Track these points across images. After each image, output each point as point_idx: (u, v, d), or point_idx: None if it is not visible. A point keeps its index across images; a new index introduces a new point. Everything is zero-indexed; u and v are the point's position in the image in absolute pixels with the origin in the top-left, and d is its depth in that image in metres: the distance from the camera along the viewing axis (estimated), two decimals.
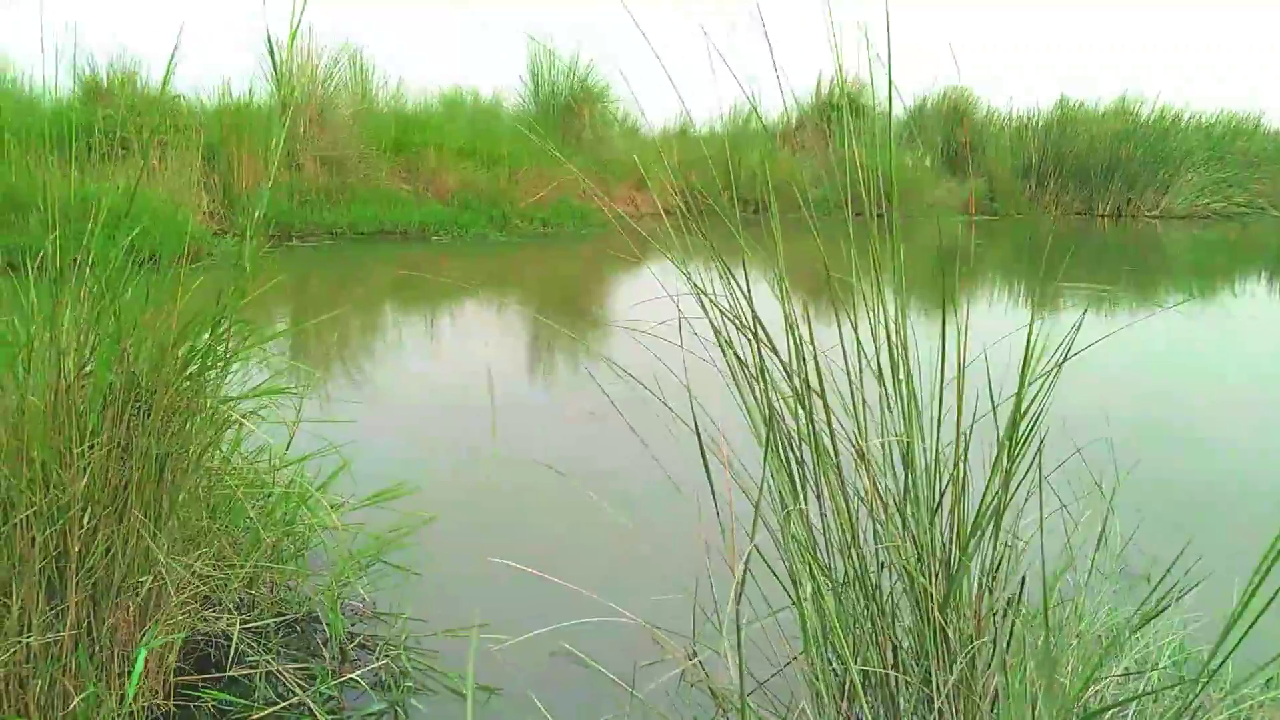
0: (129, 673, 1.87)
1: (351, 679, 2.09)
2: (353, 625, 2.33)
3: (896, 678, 1.23)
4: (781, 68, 1.66)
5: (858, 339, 1.37)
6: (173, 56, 2.31)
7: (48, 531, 1.63)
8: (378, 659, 2.15)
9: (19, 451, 1.62)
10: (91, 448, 1.69)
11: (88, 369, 1.75)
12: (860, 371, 1.37)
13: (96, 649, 1.80)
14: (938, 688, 1.17)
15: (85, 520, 1.68)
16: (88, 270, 1.81)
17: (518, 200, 13.36)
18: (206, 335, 1.89)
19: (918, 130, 16.18)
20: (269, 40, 2.10)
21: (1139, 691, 1.49)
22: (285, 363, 4.20)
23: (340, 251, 10.52)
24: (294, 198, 11.58)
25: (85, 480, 1.67)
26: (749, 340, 1.37)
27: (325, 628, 2.29)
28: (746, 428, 1.55)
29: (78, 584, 1.71)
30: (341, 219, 11.68)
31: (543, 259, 11.34)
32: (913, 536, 1.26)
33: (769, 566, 1.37)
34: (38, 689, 1.67)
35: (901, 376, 1.33)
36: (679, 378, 1.63)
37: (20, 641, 1.63)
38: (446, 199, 12.77)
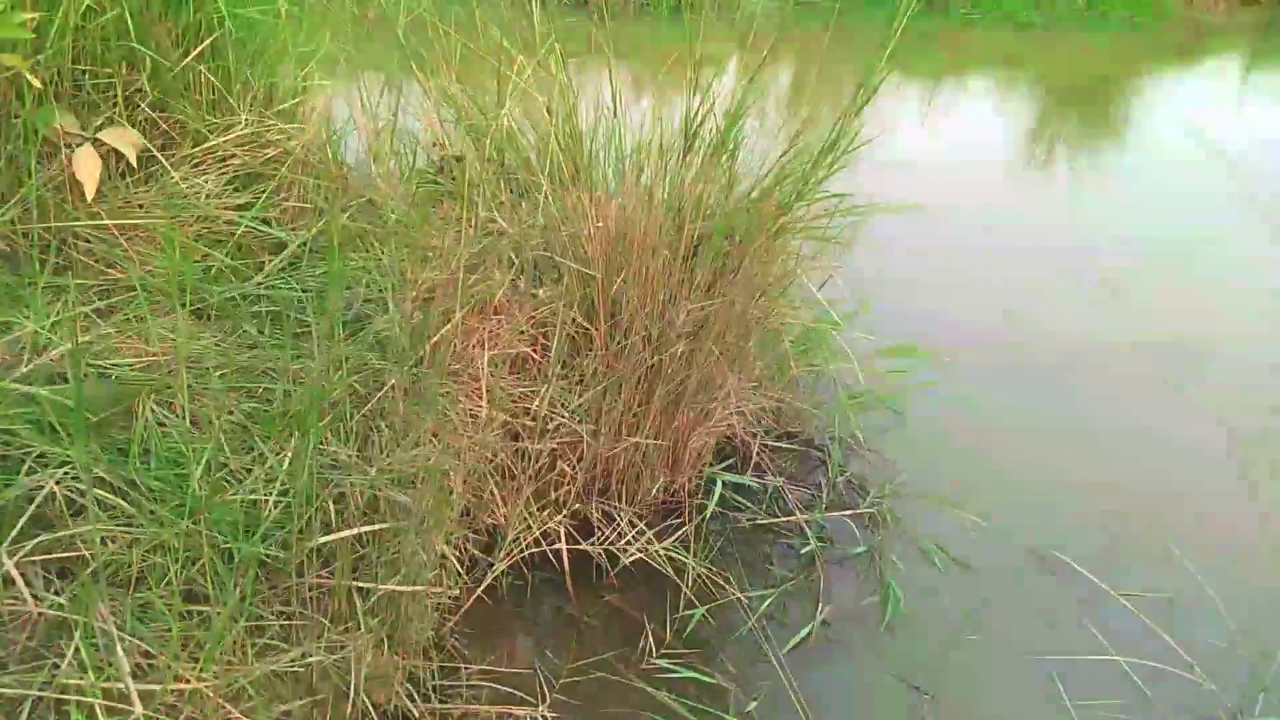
0: (672, 464, 2.33)
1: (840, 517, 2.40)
2: (845, 458, 2.60)
3: None
4: None
5: None
6: None
7: (656, 359, 2.04)
8: (867, 505, 2.41)
9: (645, 288, 2.00)
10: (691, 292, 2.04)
11: (697, 224, 2.06)
12: None
13: (658, 439, 2.26)
14: None
15: (679, 347, 2.07)
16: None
17: None
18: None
19: None
20: None
21: None
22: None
23: (854, 13, 10.16)
24: None
25: (685, 317, 2.03)
26: None
27: (818, 453, 2.60)
28: None
29: (661, 394, 2.14)
30: None
31: (1076, 44, 10.01)
32: None
33: None
34: (621, 469, 2.18)
35: None
36: None
37: (628, 441, 2.11)
38: None
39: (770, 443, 2.54)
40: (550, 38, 2.43)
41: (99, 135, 2.08)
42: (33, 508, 1.37)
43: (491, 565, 2.00)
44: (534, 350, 2.08)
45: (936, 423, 2.78)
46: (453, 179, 2.67)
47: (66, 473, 1.43)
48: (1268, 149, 6.22)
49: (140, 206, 2.18)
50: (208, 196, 2.24)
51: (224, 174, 2.29)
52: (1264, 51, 11.04)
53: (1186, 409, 3.00)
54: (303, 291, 2.18)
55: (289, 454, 1.61)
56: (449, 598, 1.85)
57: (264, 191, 2.31)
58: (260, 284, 2.18)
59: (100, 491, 1.48)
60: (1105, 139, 6.75)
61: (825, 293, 2.71)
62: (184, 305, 2.00)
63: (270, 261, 2.25)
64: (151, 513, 1.50)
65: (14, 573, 1.30)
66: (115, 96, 2.15)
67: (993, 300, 3.67)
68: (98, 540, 1.39)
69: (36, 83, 1.85)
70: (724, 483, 2.41)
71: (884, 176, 2.71)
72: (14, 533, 1.34)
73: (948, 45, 9.46)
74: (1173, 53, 10.29)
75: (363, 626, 1.67)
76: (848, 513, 2.39)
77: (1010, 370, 3.19)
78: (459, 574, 1.94)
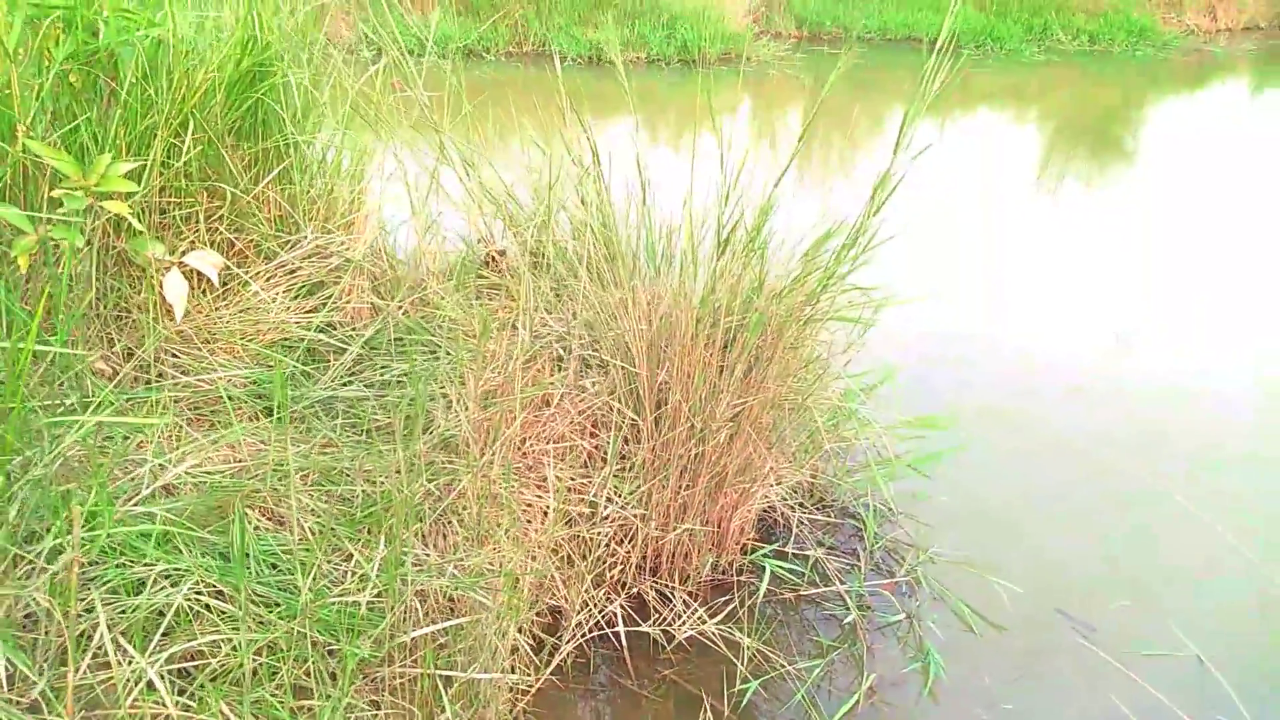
0: (718, 542, 2.48)
1: (876, 586, 2.53)
2: (878, 526, 2.73)
3: None
4: None
5: None
6: None
7: (700, 450, 2.20)
8: (906, 574, 2.54)
9: (687, 384, 2.17)
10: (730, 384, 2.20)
11: (733, 318, 2.23)
12: None
13: (704, 520, 2.41)
14: None
15: (721, 436, 2.23)
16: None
17: (1065, 7, 12.04)
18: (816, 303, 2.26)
19: None
20: None
21: None
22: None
23: (867, 58, 10.39)
24: None
25: (724, 409, 2.19)
26: None
27: (853, 521, 2.74)
28: None
29: (706, 478, 2.29)
30: (872, 23, 11.51)
31: (1081, 81, 10.21)
32: None
33: None
34: (670, 549, 2.33)
35: None
36: None
37: (680, 528, 2.27)
38: (982, 4, 11.89)
39: (808, 515, 2.68)
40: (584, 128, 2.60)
41: (184, 259, 2.28)
42: (166, 621, 1.54)
43: (556, 645, 2.14)
44: (584, 438, 2.25)
45: (962, 488, 2.91)
46: (497, 273, 2.87)
47: (191, 588, 1.60)
48: None
49: (221, 320, 2.38)
50: (280, 309, 2.44)
51: (293, 284, 2.49)
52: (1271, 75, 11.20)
53: (1208, 474, 3.12)
54: (368, 389, 2.37)
55: (377, 557, 1.78)
56: (524, 685, 2.00)
57: (329, 296, 2.51)
58: (329, 385, 2.37)
59: (211, 598, 1.65)
60: (1119, 174, 6.91)
61: (851, 365, 2.86)
62: (268, 413, 2.19)
63: (335, 362, 2.44)
64: (257, 616, 1.67)
65: (155, 680, 1.47)
66: (197, 223, 2.35)
67: (1014, 361, 3.81)
68: (241, 646, 1.56)
69: (139, 225, 2.05)
70: (769, 555, 2.56)
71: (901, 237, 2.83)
72: (151, 644, 1.51)
73: (957, 86, 9.68)
74: (1181, 83, 10.47)
75: (447, 711, 1.83)
76: (885, 581, 2.53)
77: (1031, 433, 3.33)
78: (530, 657, 2.09)
